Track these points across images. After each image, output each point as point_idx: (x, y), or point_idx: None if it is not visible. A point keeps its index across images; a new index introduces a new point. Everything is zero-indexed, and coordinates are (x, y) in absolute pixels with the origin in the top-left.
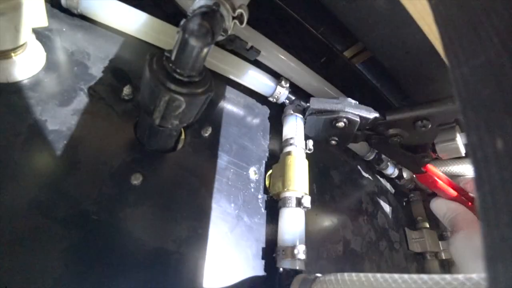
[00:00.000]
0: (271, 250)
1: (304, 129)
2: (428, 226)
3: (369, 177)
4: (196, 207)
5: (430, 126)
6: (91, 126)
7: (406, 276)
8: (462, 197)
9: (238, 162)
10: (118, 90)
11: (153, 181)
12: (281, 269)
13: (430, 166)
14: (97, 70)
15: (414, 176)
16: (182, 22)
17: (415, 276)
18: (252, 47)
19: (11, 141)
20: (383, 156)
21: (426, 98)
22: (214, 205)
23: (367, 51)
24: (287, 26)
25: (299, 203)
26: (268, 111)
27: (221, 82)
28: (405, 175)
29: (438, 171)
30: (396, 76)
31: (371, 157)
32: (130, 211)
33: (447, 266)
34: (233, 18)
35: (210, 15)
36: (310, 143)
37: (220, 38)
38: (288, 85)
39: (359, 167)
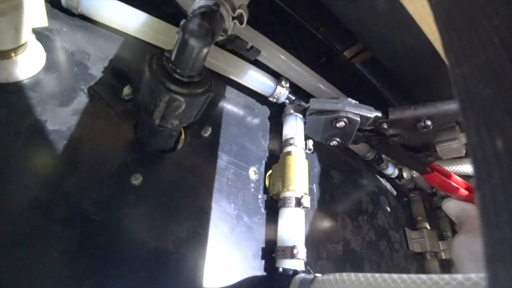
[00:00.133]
0: (271, 250)
1: (304, 130)
2: (428, 226)
3: (369, 177)
4: (196, 207)
5: (431, 127)
6: (91, 126)
7: (405, 276)
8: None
9: (238, 162)
10: (118, 90)
11: (153, 181)
12: (280, 269)
13: (436, 166)
14: (97, 70)
15: (415, 176)
16: (182, 23)
17: (414, 276)
18: (252, 47)
19: (11, 141)
20: (383, 156)
21: (426, 98)
22: (214, 205)
23: (367, 51)
24: (287, 26)
25: (298, 203)
26: (268, 111)
27: (221, 82)
28: (405, 175)
29: (445, 170)
30: (396, 76)
31: (371, 157)
32: (130, 211)
33: (447, 266)
34: (233, 18)
35: (210, 15)
36: (310, 143)
37: (220, 38)
38: (288, 85)
39: (359, 167)
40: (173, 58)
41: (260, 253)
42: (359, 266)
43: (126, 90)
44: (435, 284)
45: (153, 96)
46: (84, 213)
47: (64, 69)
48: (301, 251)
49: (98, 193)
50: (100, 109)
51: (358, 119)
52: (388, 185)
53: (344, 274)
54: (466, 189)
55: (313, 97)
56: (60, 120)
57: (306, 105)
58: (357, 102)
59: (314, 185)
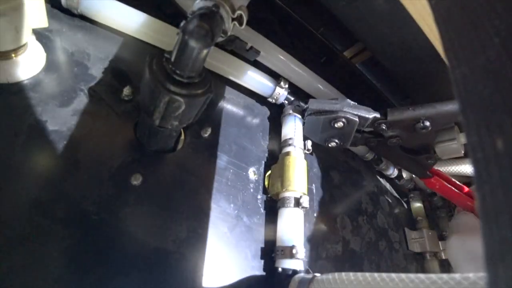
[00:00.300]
0: (270, 250)
1: (303, 130)
2: (427, 226)
3: (369, 177)
4: (195, 207)
5: (430, 128)
6: (91, 127)
7: (403, 275)
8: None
9: (237, 162)
10: (118, 91)
11: (152, 181)
12: (279, 268)
13: (437, 170)
14: (97, 71)
15: (414, 176)
16: (182, 24)
17: (412, 275)
18: (251, 47)
19: (11, 141)
20: None
21: (426, 98)
22: (213, 205)
23: (367, 51)
24: (287, 26)
25: (297, 203)
26: (268, 111)
27: (221, 82)
28: (404, 175)
29: (446, 175)
30: (396, 76)
31: (371, 158)
32: (130, 211)
33: (447, 266)
34: (233, 19)
35: (209, 16)
36: (309, 143)
37: (219, 39)
38: (287, 85)
39: (358, 167)
40: (173, 59)
41: (259, 253)
42: (359, 266)
43: (126, 91)
44: (433, 283)
45: (153, 97)
46: (84, 213)
47: (64, 69)
48: (300, 251)
49: (98, 193)
50: (100, 110)
51: (357, 119)
52: (387, 185)
53: (343, 273)
54: (466, 194)
55: (313, 97)
56: (60, 120)
57: (305, 106)
58: (356, 103)
59: (314, 185)
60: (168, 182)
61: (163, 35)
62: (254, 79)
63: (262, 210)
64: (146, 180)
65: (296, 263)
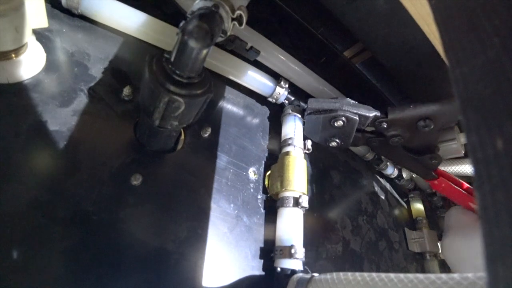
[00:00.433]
0: (270, 249)
1: (303, 130)
2: (427, 226)
3: (369, 177)
4: (195, 207)
5: (432, 126)
6: (91, 127)
7: (402, 275)
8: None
9: (237, 162)
10: (118, 91)
11: (152, 182)
12: (278, 268)
13: (442, 171)
14: (97, 71)
15: (414, 176)
16: (181, 24)
17: (411, 275)
18: (251, 47)
19: (11, 141)
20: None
21: (426, 98)
22: (213, 206)
23: (367, 51)
24: (287, 26)
25: (296, 203)
26: (268, 111)
27: (221, 82)
28: (404, 175)
29: (452, 176)
30: (396, 76)
31: (371, 158)
32: (130, 211)
33: (446, 266)
34: (232, 19)
35: (209, 16)
36: (309, 143)
37: (219, 39)
38: (287, 85)
39: (358, 167)
40: (172, 59)
41: (259, 253)
42: (359, 266)
43: (126, 91)
44: (432, 283)
45: (153, 97)
46: (84, 213)
47: (64, 69)
48: (299, 251)
49: (98, 193)
50: (100, 110)
51: (357, 118)
52: (387, 185)
53: (341, 273)
54: (471, 193)
55: (313, 97)
56: (60, 120)
57: (305, 105)
58: (356, 102)
59: (314, 185)
60: (168, 182)
61: (163, 35)
62: (255, 79)
63: (262, 210)
64: (146, 180)
65: (295, 263)
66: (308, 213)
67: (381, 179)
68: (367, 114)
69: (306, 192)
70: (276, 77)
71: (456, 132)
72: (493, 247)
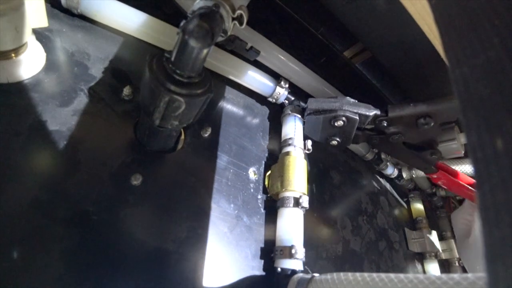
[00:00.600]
0: (270, 250)
1: (303, 130)
2: (427, 226)
3: (369, 177)
4: (195, 207)
5: (432, 124)
6: (91, 127)
7: (402, 275)
8: None
9: (237, 162)
10: (118, 91)
11: (152, 182)
12: (279, 268)
13: (442, 164)
14: (97, 71)
15: (414, 176)
16: (182, 23)
17: (410, 275)
18: (251, 47)
19: (11, 141)
20: (383, 156)
21: (426, 98)
22: (213, 205)
23: (367, 51)
24: (287, 26)
25: (297, 203)
26: (268, 111)
27: (221, 82)
28: (404, 175)
29: (452, 168)
30: (396, 76)
31: (370, 158)
32: (130, 211)
33: (446, 266)
34: (233, 19)
35: (209, 16)
36: (309, 143)
37: (219, 39)
38: (287, 85)
39: (358, 167)
40: (173, 59)
41: (259, 253)
42: (359, 266)
43: (126, 91)
44: (432, 283)
45: (153, 96)
46: (84, 213)
47: (64, 69)
48: (299, 251)
49: (98, 193)
50: (100, 110)
51: (357, 117)
52: (387, 185)
53: (341, 273)
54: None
55: (313, 97)
56: (60, 120)
57: (305, 106)
58: (356, 101)
59: (314, 185)
60: (168, 182)
61: (163, 35)
62: (255, 79)
63: (262, 210)
64: (146, 180)
65: (295, 263)
66: (308, 213)
67: (381, 179)
68: (367, 113)
69: (306, 192)
70: (276, 77)
71: (456, 132)
72: (493, 247)
